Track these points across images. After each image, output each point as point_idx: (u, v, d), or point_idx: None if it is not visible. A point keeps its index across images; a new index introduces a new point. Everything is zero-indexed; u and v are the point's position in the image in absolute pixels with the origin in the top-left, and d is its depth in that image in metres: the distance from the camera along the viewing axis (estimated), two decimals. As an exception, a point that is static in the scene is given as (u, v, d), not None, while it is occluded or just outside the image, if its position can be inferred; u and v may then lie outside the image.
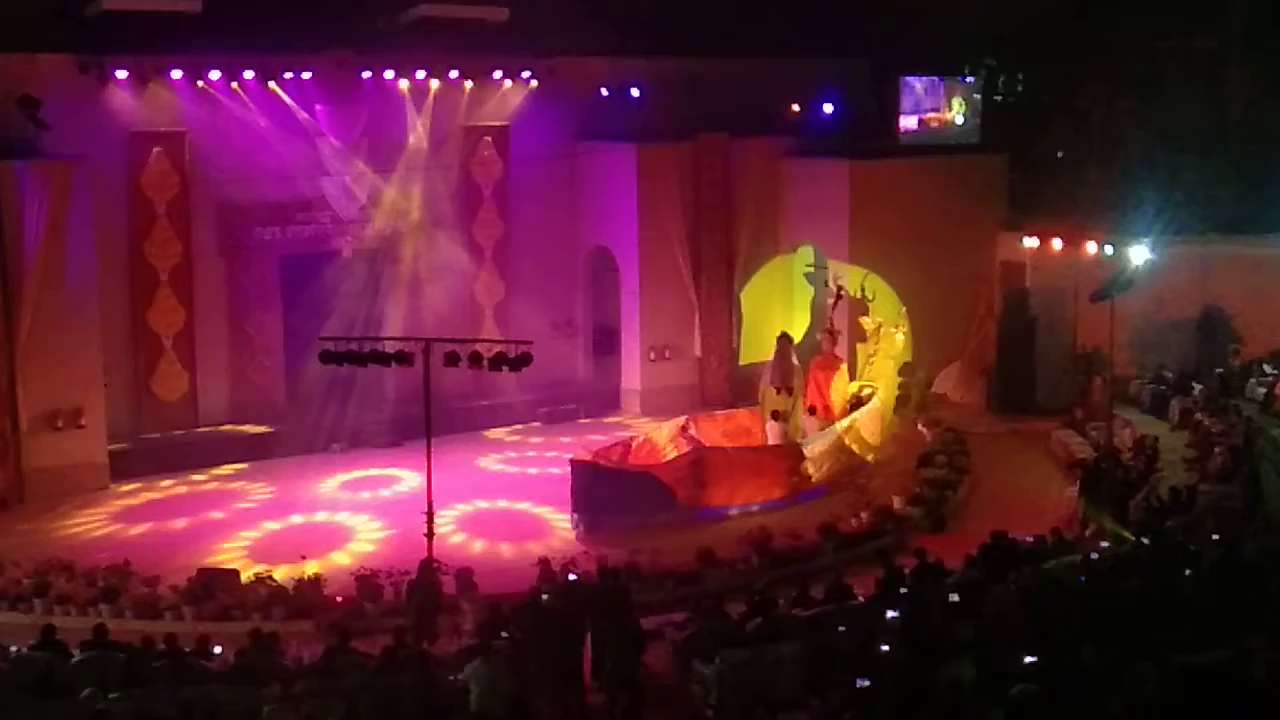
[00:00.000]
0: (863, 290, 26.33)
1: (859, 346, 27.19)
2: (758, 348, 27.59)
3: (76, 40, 24.69)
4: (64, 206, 23.97)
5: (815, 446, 24.16)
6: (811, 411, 25.28)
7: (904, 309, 26.21)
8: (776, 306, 29.72)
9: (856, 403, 25.68)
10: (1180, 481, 21.33)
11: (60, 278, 24.13)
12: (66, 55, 24.65)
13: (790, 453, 24.00)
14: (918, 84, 30.35)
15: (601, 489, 22.34)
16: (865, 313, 26.53)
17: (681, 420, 25.18)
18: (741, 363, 29.08)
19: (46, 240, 23.84)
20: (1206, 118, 29.24)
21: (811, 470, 23.75)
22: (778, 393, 25.18)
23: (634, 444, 24.45)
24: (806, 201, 30.07)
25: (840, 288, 26.69)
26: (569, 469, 22.64)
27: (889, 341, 26.29)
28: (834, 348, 26.20)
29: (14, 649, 15.05)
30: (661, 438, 24.70)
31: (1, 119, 23.64)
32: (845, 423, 24.84)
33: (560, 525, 22.59)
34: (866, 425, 25.17)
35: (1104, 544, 18.44)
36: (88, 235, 24.44)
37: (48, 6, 24.73)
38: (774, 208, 30.50)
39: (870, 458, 25.09)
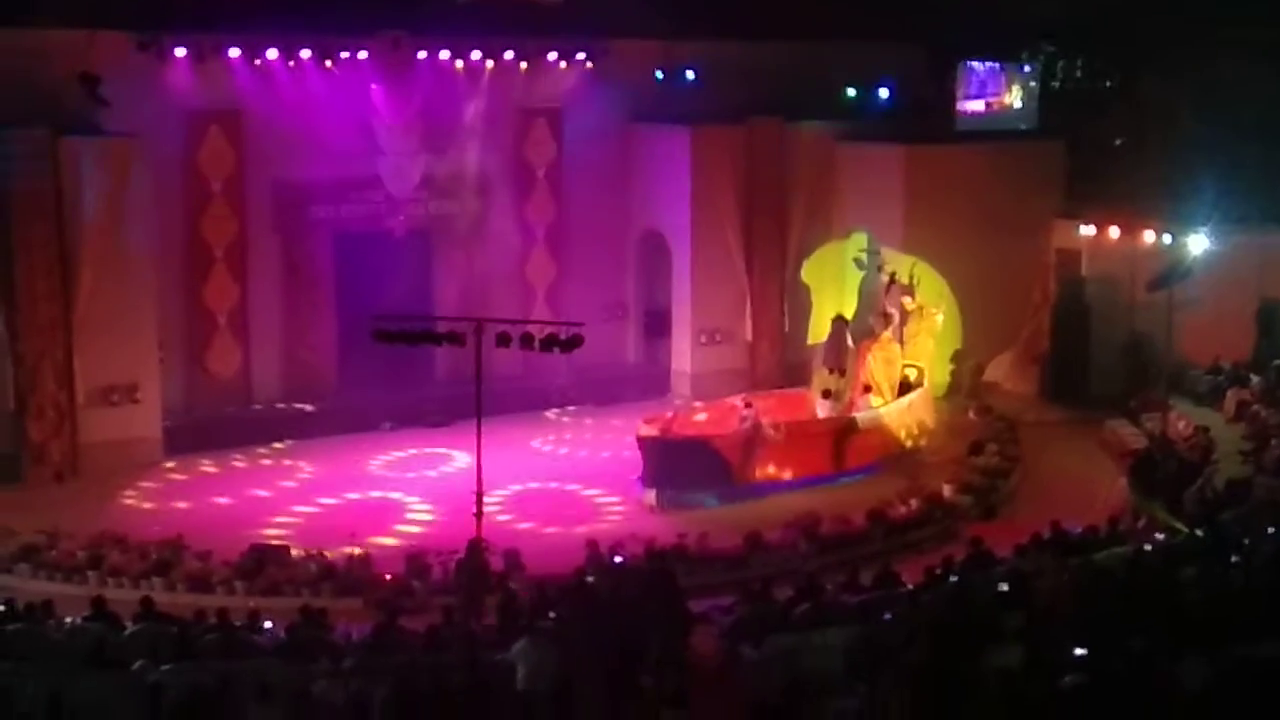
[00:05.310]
0: (911, 276, 26.60)
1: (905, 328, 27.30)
2: (822, 328, 27.64)
3: (136, 18, 24.85)
4: (122, 183, 24.22)
5: (872, 420, 24.52)
6: (867, 390, 25.51)
7: (947, 291, 26.50)
8: (831, 289, 29.76)
9: (905, 382, 25.95)
10: (1236, 474, 21.09)
11: (118, 254, 24.39)
12: (126, 33, 24.81)
13: (843, 426, 24.25)
14: (980, 68, 30.14)
15: (670, 462, 22.74)
16: (910, 295, 26.65)
17: (739, 398, 25.24)
18: (810, 343, 28.99)
19: (104, 217, 24.11)
20: (1268, 105, 28.81)
21: (872, 443, 24.26)
22: (830, 373, 25.31)
23: (679, 414, 24.97)
24: (861, 187, 29.90)
25: (893, 273, 26.83)
26: (638, 445, 22.93)
27: (930, 321, 26.75)
28: (886, 330, 26.27)
29: (68, 620, 15.24)
30: (718, 411, 24.99)
31: (62, 96, 23.84)
32: (904, 402, 25.24)
33: (608, 506, 22.65)
34: (921, 406, 25.56)
35: (1158, 535, 18.28)
36: (145, 212, 24.67)
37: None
38: (827, 192, 30.35)
39: (921, 442, 25.30)
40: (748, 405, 24.29)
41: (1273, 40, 28.21)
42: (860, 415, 24.69)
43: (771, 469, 23.48)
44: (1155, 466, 22.22)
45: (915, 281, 26.88)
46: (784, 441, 23.66)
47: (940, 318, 27.03)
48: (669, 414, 25.14)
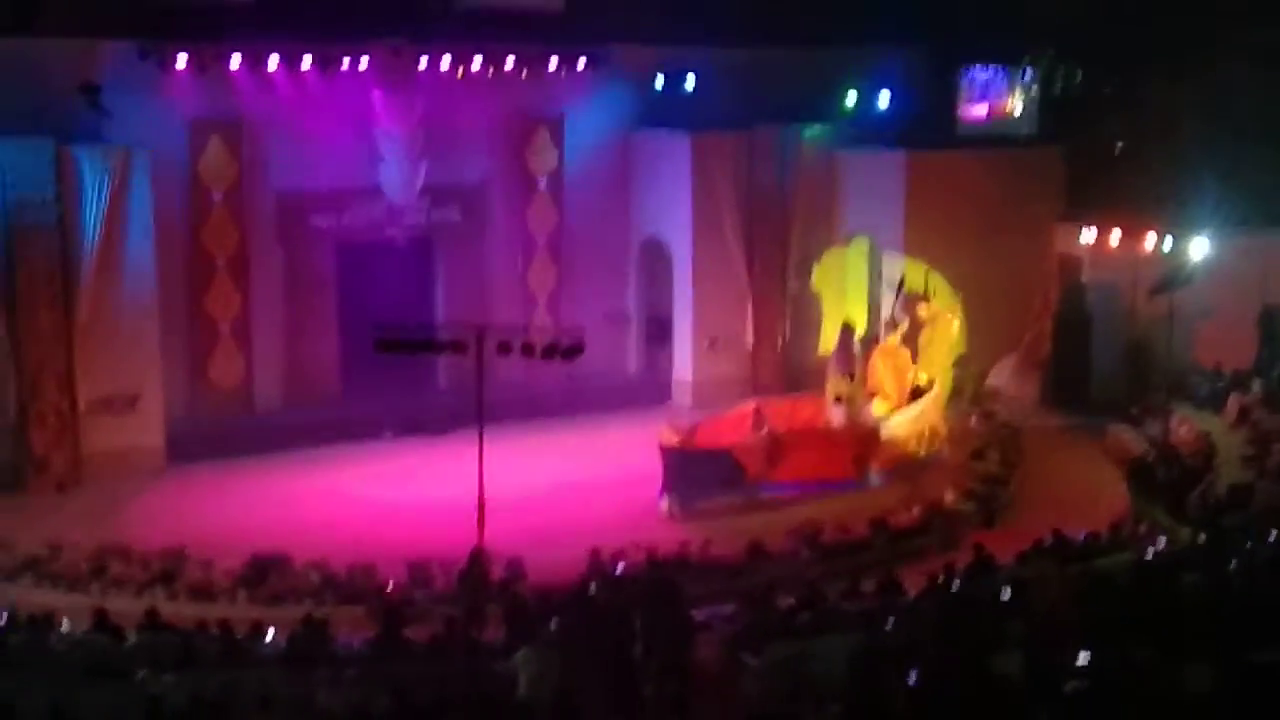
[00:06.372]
0: (925, 284, 26.42)
1: (920, 335, 27.18)
2: (832, 337, 27.54)
3: (137, 27, 24.87)
4: (123, 192, 24.22)
5: (895, 429, 24.54)
6: (872, 395, 25.47)
7: (959, 298, 26.33)
8: (841, 295, 29.63)
9: (917, 391, 25.81)
10: (1238, 479, 21.08)
11: (119, 263, 24.40)
12: (127, 42, 24.82)
13: (864, 435, 24.29)
14: (983, 74, 30.17)
15: (690, 470, 22.86)
16: (925, 302, 26.56)
17: (751, 405, 25.21)
18: (821, 352, 28.89)
19: (106, 226, 24.10)
20: (1271, 109, 28.80)
21: (890, 451, 24.31)
22: (843, 376, 25.34)
23: (701, 424, 24.86)
24: (862, 192, 29.90)
25: (901, 278, 26.72)
26: (659, 452, 22.98)
27: (945, 328, 26.40)
28: (894, 334, 26.32)
29: (69, 631, 15.24)
30: (731, 419, 24.93)
31: (63, 104, 23.84)
32: (917, 408, 25.08)
33: (611, 514, 22.61)
34: (933, 413, 25.42)
35: (1160, 540, 18.27)
36: (146, 221, 24.67)
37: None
38: (829, 198, 30.35)
39: (934, 448, 25.26)
40: (758, 413, 24.28)
41: (1274, 42, 28.19)
42: (882, 423, 24.66)
43: (791, 476, 23.46)
44: (1154, 471, 22.21)
45: (930, 290, 26.81)
46: (805, 447, 23.77)
47: (956, 324, 26.80)
48: (688, 422, 25.02)
